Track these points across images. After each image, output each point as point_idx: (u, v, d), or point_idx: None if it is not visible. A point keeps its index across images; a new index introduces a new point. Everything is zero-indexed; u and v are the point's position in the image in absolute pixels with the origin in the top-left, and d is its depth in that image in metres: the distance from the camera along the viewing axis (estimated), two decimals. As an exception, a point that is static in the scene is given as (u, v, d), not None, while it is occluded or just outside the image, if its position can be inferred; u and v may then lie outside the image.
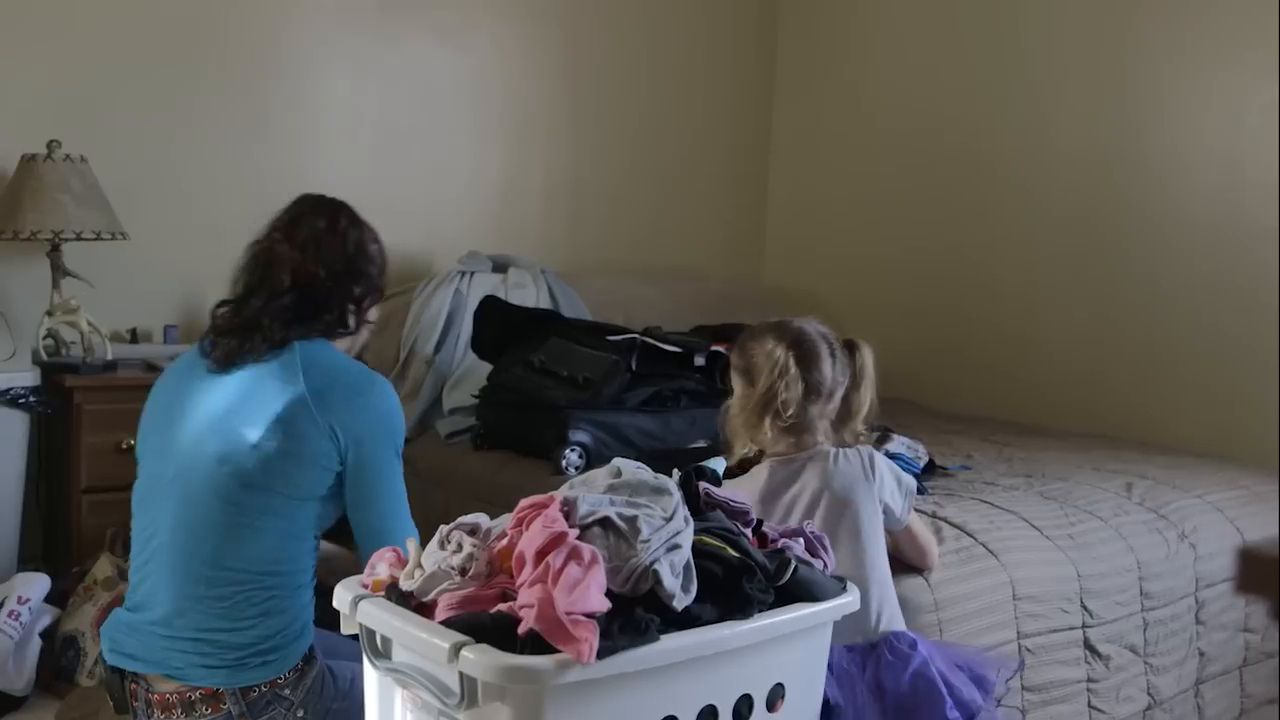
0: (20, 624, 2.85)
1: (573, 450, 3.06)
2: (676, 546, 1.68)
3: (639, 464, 1.92)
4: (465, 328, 3.72)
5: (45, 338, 3.38)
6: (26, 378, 3.13)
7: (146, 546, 2.13)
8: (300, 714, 2.07)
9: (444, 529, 1.78)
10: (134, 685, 2.12)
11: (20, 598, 2.89)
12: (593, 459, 3.07)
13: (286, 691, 2.08)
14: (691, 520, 1.76)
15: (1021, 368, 4.28)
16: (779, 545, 1.90)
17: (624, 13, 4.71)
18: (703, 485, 1.88)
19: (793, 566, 1.79)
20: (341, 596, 1.78)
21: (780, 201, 5.17)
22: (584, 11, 4.61)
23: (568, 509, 1.72)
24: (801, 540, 1.94)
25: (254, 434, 2.05)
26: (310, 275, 2.18)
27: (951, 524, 2.50)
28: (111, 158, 3.54)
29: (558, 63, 4.56)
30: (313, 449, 2.07)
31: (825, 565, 1.92)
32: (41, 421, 3.32)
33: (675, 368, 3.35)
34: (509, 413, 3.28)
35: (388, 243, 4.19)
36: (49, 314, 3.36)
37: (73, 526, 3.28)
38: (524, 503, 1.76)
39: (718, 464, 2.00)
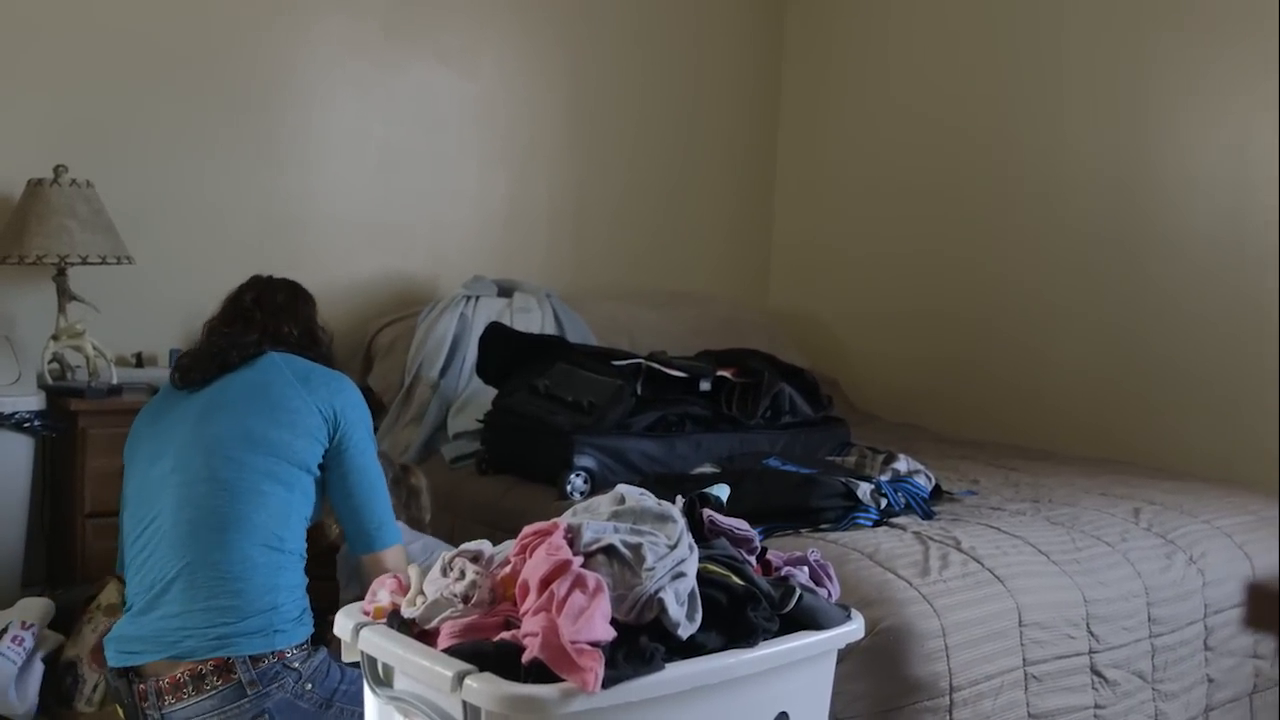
0: (23, 649, 2.83)
1: (578, 475, 3.05)
2: (681, 574, 1.67)
3: (643, 490, 1.91)
4: (470, 352, 3.72)
5: (51, 362, 3.38)
6: (31, 402, 3.13)
7: (144, 537, 2.25)
8: (309, 687, 2.17)
9: (446, 555, 1.78)
10: (141, 686, 2.19)
11: (24, 623, 2.87)
12: (598, 484, 3.06)
13: (296, 664, 2.18)
14: (696, 548, 1.76)
15: (1029, 392, 4.27)
16: (783, 573, 1.89)
17: (627, 36, 4.73)
18: (706, 512, 1.88)
19: (797, 595, 1.78)
20: (343, 624, 1.77)
21: (785, 223, 5.17)
22: (587, 35, 4.63)
23: (571, 536, 1.71)
24: (806, 568, 1.93)
25: (251, 410, 2.30)
26: (278, 331, 2.53)
27: (959, 550, 2.48)
28: (118, 182, 3.54)
29: (561, 86, 4.57)
30: (304, 420, 2.30)
31: (830, 593, 1.91)
32: (46, 445, 3.32)
33: (680, 393, 3.34)
34: (514, 437, 3.27)
35: (393, 267, 4.24)
36: (54, 338, 3.36)
37: (76, 551, 3.27)
38: (527, 530, 1.75)
39: (721, 491, 1.99)
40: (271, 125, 3.94)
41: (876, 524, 2.63)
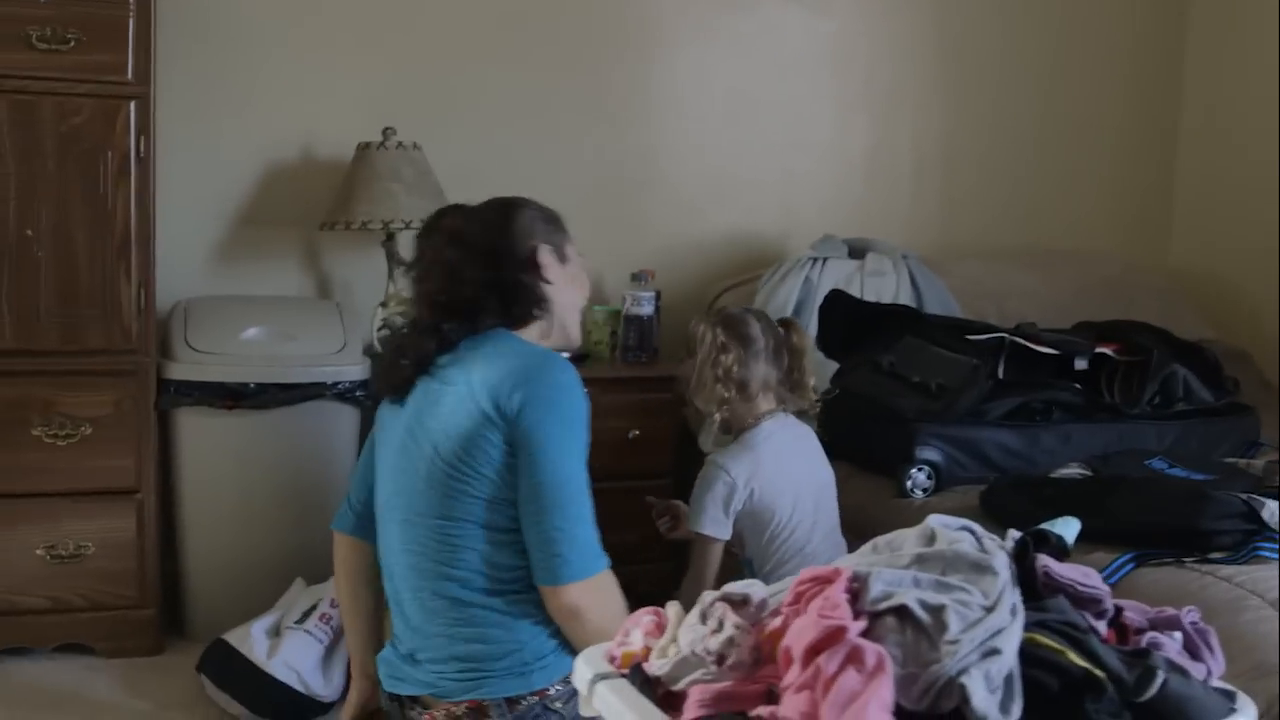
0: (330, 628, 2.77)
1: (920, 470, 2.67)
2: (995, 651, 1.27)
3: (965, 523, 1.51)
4: (815, 321, 3.37)
5: (380, 329, 3.31)
6: (355, 371, 3.06)
7: (389, 574, 2.06)
8: None
9: (707, 598, 1.46)
10: (411, 711, 2.01)
11: (333, 600, 2.81)
12: (944, 480, 2.68)
13: (559, 705, 1.91)
14: (1021, 611, 1.35)
15: None
16: (1145, 641, 1.45)
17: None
18: (1041, 560, 1.46)
19: (1159, 680, 1.34)
20: (581, 672, 1.48)
21: (1192, 160, 4.41)
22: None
23: (857, 588, 1.35)
24: (1179, 635, 1.47)
25: (433, 440, 1.94)
26: (468, 301, 2.02)
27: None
28: (448, 144, 3.46)
29: (928, 20, 4.09)
30: (481, 439, 1.89)
31: (1209, 670, 1.45)
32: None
33: (1050, 374, 2.87)
34: (852, 421, 2.91)
35: (740, 226, 3.88)
36: (383, 305, 3.30)
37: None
38: (805, 574, 1.40)
39: (1069, 527, 1.56)
40: (608, 79, 3.73)
41: (1287, 557, 2.09)
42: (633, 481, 3.36)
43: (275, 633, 2.78)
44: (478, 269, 2.02)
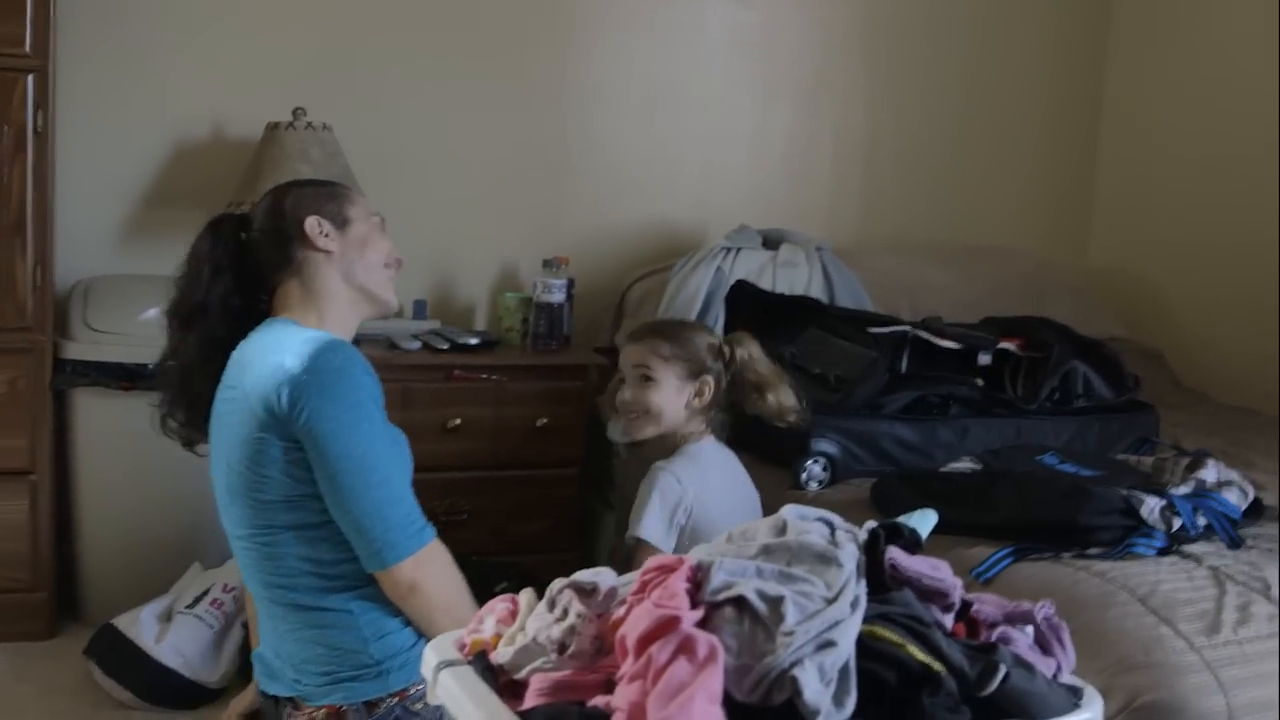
0: (222, 613, 2.74)
1: (815, 462, 2.67)
2: (830, 643, 1.27)
3: (823, 514, 1.51)
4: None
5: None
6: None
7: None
8: None
9: (557, 584, 1.44)
10: (284, 708, 1.98)
11: (226, 585, 2.78)
12: (840, 473, 2.68)
13: (419, 706, 1.85)
14: (863, 603, 1.35)
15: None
16: (996, 636, 1.45)
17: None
18: (890, 553, 1.45)
19: (1001, 674, 1.34)
20: (428, 659, 1.46)
21: (1112, 169, 4.46)
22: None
23: (701, 578, 1.34)
24: (1031, 630, 1.47)
25: (225, 453, 1.88)
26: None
27: (1269, 598, 1.93)
28: (358, 125, 3.41)
29: (852, 12, 4.09)
30: (261, 441, 1.80)
31: (1059, 666, 1.45)
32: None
33: (955, 369, 2.88)
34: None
35: (656, 215, 3.86)
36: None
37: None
38: (651, 563, 1.39)
39: (924, 520, 1.55)
40: (525, 64, 3.70)
41: (1162, 552, 2.10)
42: (541, 470, 3.36)
43: (166, 617, 2.75)
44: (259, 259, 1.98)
